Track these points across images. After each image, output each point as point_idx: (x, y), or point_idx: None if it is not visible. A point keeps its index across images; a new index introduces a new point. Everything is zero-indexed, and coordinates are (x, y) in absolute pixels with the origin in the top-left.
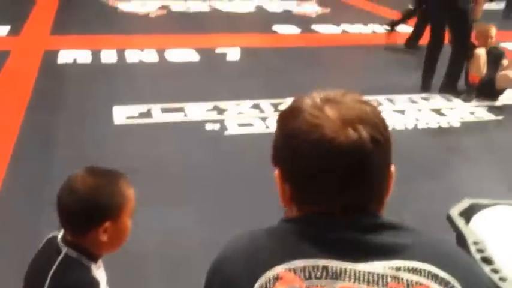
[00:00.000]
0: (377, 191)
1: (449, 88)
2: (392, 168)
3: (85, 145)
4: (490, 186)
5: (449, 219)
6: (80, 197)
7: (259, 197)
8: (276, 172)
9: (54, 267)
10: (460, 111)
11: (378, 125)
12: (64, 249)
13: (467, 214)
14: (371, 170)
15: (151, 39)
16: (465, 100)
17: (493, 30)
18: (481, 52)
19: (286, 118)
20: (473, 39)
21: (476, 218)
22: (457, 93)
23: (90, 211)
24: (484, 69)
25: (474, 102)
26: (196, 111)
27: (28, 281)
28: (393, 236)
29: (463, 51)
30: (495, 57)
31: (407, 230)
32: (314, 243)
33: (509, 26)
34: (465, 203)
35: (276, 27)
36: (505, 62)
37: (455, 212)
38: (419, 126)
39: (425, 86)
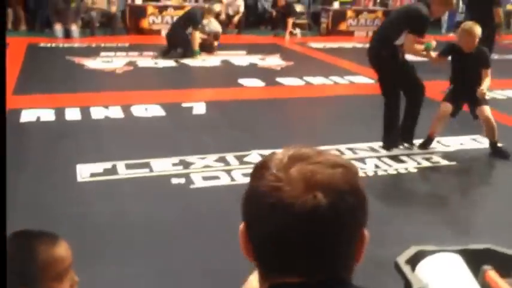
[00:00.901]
0: (343, 258)
1: (406, 141)
2: (365, 232)
3: (46, 204)
4: (438, 231)
5: (397, 266)
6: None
7: (226, 251)
8: (241, 226)
9: None
10: (417, 158)
11: (344, 191)
12: None
13: (414, 261)
14: (331, 238)
15: (117, 95)
16: (419, 147)
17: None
18: (445, 109)
19: (254, 174)
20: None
21: (421, 265)
22: (411, 145)
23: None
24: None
25: (430, 149)
26: (162, 165)
27: None
28: None
29: (414, 104)
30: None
31: None
32: None
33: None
34: (412, 250)
35: (242, 81)
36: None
37: (402, 259)
38: (379, 173)
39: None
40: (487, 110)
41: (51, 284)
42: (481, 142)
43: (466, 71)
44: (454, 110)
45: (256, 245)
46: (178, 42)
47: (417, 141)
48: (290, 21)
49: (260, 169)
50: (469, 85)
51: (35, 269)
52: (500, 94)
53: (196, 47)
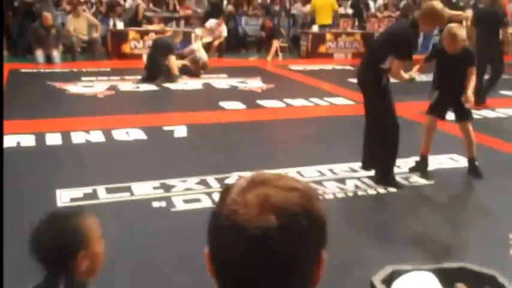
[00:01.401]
0: (296, 281)
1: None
2: (323, 254)
3: (25, 230)
4: (416, 250)
5: (372, 286)
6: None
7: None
8: (206, 248)
9: None
10: (396, 178)
11: (298, 214)
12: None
13: (389, 280)
14: (284, 260)
15: (98, 119)
16: (414, 170)
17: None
18: (431, 122)
19: (218, 199)
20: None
21: (396, 284)
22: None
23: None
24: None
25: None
26: (143, 189)
27: None
28: None
29: (382, 135)
30: None
31: None
32: None
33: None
34: (387, 270)
35: (223, 104)
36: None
37: (377, 279)
38: (359, 194)
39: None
40: (468, 124)
41: (97, 244)
42: (459, 161)
43: (452, 72)
44: (441, 115)
45: (217, 266)
46: (158, 73)
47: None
48: (275, 43)
49: (223, 194)
50: (456, 86)
51: (84, 235)
52: (476, 114)
53: (176, 72)
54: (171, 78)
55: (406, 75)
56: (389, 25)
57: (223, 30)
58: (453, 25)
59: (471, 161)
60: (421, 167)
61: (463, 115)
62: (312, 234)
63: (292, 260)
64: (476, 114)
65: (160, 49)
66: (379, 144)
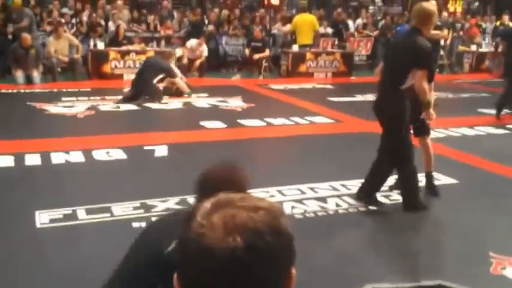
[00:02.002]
0: None
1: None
2: (293, 270)
3: (4, 252)
4: (396, 268)
5: None
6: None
7: None
8: (175, 274)
9: None
10: (376, 196)
11: (264, 232)
12: None
13: None
14: (253, 280)
15: (78, 140)
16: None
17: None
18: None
19: (185, 222)
20: None
21: None
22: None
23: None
24: None
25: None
26: (123, 209)
27: None
28: None
29: (390, 165)
30: None
31: None
32: None
33: None
34: None
35: (204, 123)
36: None
37: None
38: (340, 212)
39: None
40: (427, 139)
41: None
42: (439, 179)
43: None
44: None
45: None
46: (146, 92)
47: None
48: (266, 52)
49: (190, 217)
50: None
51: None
52: (455, 132)
53: (187, 89)
54: (159, 98)
55: (428, 95)
56: (394, 41)
57: (204, 50)
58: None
59: (429, 175)
60: (432, 184)
61: (423, 129)
62: (280, 252)
63: (262, 280)
64: (455, 132)
65: (153, 69)
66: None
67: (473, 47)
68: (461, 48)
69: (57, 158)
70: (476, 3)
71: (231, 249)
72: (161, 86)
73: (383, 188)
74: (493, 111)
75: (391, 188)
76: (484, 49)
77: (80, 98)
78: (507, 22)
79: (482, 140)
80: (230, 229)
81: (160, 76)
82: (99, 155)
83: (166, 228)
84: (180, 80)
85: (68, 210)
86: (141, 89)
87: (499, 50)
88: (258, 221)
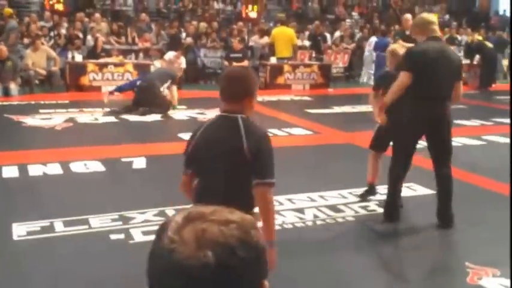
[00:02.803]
0: None
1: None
2: (265, 283)
3: None
4: (373, 279)
5: None
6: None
7: None
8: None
9: (242, 127)
10: (354, 206)
11: (235, 246)
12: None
13: None
14: None
15: (56, 152)
16: (360, 197)
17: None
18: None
19: (155, 236)
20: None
21: None
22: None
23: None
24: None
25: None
26: (101, 222)
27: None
28: None
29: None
30: None
31: None
32: None
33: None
34: None
35: (182, 135)
36: None
37: None
38: (318, 223)
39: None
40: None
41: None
42: (416, 190)
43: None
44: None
45: None
46: (152, 102)
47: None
48: (245, 63)
49: (159, 232)
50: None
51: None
52: None
53: (176, 102)
54: (166, 108)
55: None
56: (433, 56)
57: (182, 62)
58: (394, 45)
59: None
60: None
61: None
62: (251, 266)
63: None
64: None
65: (166, 75)
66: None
67: None
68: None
69: (34, 170)
70: (447, 16)
71: (201, 264)
72: None
73: (361, 200)
74: (470, 123)
75: (361, 197)
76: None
77: (57, 110)
78: (476, 37)
79: (458, 151)
80: (201, 244)
81: (167, 84)
82: (77, 167)
83: None
84: (175, 90)
85: (45, 223)
86: (149, 97)
87: (475, 62)
88: (229, 236)
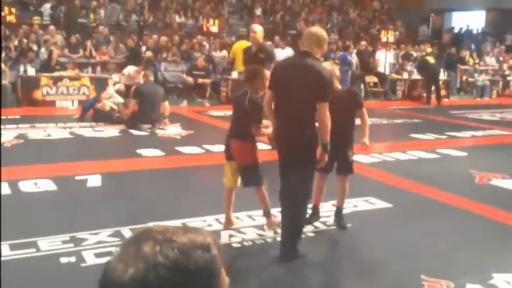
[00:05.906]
0: None
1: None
2: None
3: None
4: None
5: None
6: None
7: None
8: None
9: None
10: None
11: (158, 265)
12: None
13: None
14: None
15: (4, 170)
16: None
17: None
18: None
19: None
20: None
21: None
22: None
23: None
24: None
25: (327, 214)
26: (50, 244)
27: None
28: None
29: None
30: None
31: None
32: None
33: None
34: None
35: (140, 151)
36: None
37: None
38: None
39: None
40: (346, 177)
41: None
42: (374, 204)
43: (336, 117)
44: (325, 171)
45: None
46: (155, 119)
47: None
48: (207, 81)
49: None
50: (341, 133)
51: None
52: (388, 156)
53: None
54: (162, 123)
55: None
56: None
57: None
58: (326, 62)
59: (339, 210)
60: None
61: (345, 169)
62: (206, 278)
63: None
64: (388, 156)
65: (161, 93)
66: None
67: (406, 75)
68: (394, 76)
69: None
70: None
71: (120, 282)
72: (102, 107)
73: (322, 214)
74: (424, 136)
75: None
76: (415, 77)
77: (7, 126)
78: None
79: (414, 164)
80: (132, 261)
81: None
82: (27, 186)
83: None
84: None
85: None
86: (152, 114)
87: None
88: (160, 254)
